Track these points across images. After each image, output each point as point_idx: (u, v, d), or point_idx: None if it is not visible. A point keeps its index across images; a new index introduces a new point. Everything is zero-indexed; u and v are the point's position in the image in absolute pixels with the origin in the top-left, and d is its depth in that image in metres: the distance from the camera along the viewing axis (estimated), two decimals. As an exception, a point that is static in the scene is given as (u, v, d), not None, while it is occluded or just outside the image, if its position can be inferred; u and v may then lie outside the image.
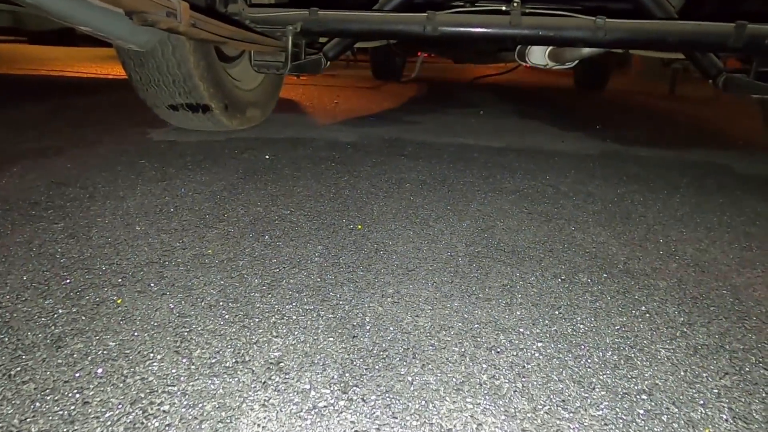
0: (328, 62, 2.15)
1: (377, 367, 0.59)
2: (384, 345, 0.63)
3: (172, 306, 0.70)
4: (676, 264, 0.93)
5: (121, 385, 0.54)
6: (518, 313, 0.73)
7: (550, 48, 2.32)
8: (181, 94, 1.71)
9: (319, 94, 3.39)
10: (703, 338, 0.69)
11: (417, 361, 0.60)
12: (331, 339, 0.64)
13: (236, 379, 0.56)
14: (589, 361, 0.62)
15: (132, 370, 0.56)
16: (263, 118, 2.16)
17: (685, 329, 0.71)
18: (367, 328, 0.67)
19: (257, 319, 0.68)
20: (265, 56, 1.89)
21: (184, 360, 0.58)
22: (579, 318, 0.72)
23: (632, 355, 0.64)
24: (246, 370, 0.57)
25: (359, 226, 1.02)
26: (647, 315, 0.74)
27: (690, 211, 1.25)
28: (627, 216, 1.18)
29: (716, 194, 1.42)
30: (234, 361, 0.59)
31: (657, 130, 2.71)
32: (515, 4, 1.78)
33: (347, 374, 0.57)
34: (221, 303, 0.71)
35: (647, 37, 1.72)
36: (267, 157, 1.55)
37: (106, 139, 1.71)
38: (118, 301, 0.70)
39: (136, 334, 0.63)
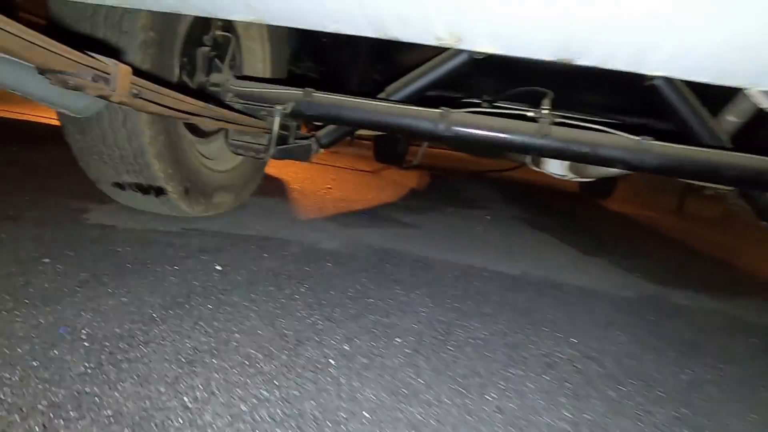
0: (321, 149, 1.85)
1: None
2: None
3: None
4: None
5: None
6: None
7: (572, 160, 2.05)
8: (130, 171, 1.37)
9: (312, 175, 3.10)
10: None
11: None
12: None
13: None
14: None
15: None
16: (236, 204, 1.82)
17: None
18: None
19: None
20: (245, 137, 1.58)
21: None
22: None
23: None
24: None
25: None
26: None
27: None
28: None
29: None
30: None
31: (683, 263, 2.40)
32: (544, 111, 1.51)
33: None
34: None
35: (699, 167, 1.43)
36: (218, 267, 1.18)
37: (29, 214, 1.36)
38: None
39: None
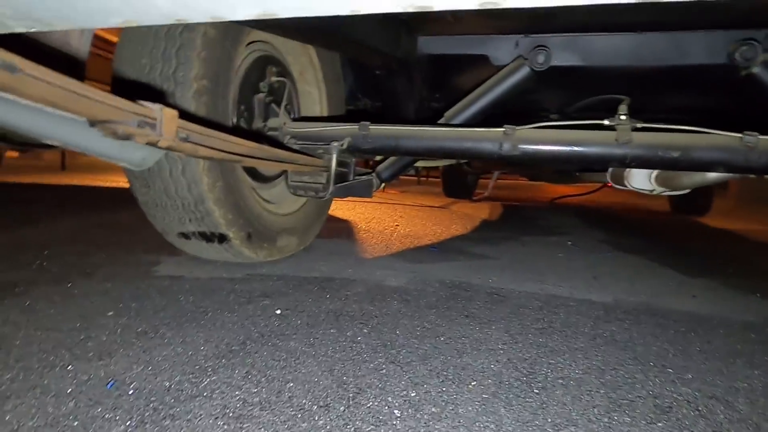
0: (383, 184, 1.79)
1: None
2: None
3: None
4: None
5: None
6: None
7: (658, 171, 1.84)
8: (193, 220, 1.38)
9: (380, 214, 3.05)
10: None
11: None
12: None
13: None
14: None
15: None
16: (301, 247, 1.79)
17: None
18: None
19: None
20: (304, 177, 1.56)
21: None
22: None
23: None
24: None
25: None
26: None
27: None
28: None
29: None
30: None
31: (814, 277, 2.04)
32: (623, 117, 1.36)
33: None
34: None
35: (824, 162, 1.21)
36: (278, 311, 1.13)
37: (102, 270, 1.39)
38: None
39: None
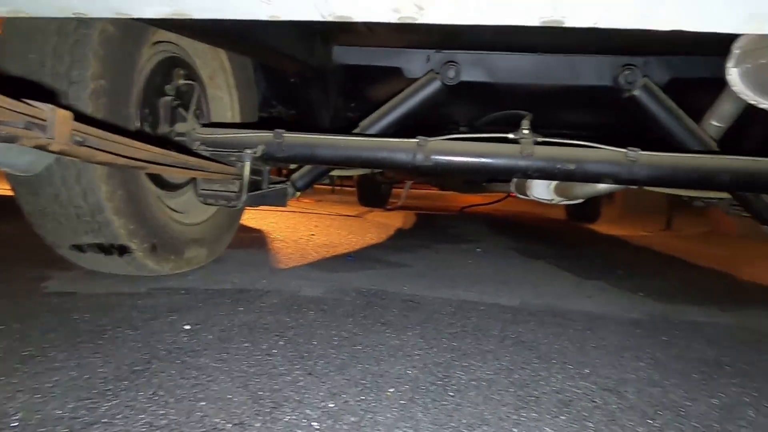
0: (297, 192, 1.76)
1: None
2: None
3: None
4: None
5: None
6: None
7: (556, 182, 1.99)
8: (89, 231, 1.27)
9: (294, 224, 3.00)
10: None
11: None
12: None
13: None
14: None
15: None
16: (211, 258, 1.71)
17: None
18: None
19: None
20: (214, 185, 1.49)
21: None
22: None
23: None
24: None
25: None
26: None
27: None
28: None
29: None
30: None
31: (685, 279, 2.31)
32: (525, 132, 1.45)
33: None
34: None
35: (692, 173, 1.36)
36: (187, 327, 1.06)
37: (-22, 288, 1.23)
38: None
39: None
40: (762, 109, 1.25)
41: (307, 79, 1.75)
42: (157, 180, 1.50)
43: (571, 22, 0.56)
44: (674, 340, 1.25)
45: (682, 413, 0.85)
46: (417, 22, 0.46)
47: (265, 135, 1.43)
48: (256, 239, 2.34)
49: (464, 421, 0.76)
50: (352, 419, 0.74)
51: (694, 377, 1.01)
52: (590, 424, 0.78)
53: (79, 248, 1.32)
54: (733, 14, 0.54)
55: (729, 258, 3.09)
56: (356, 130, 1.66)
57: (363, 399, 0.80)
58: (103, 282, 1.37)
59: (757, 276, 2.42)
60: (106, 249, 1.31)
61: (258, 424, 0.70)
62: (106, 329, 1.02)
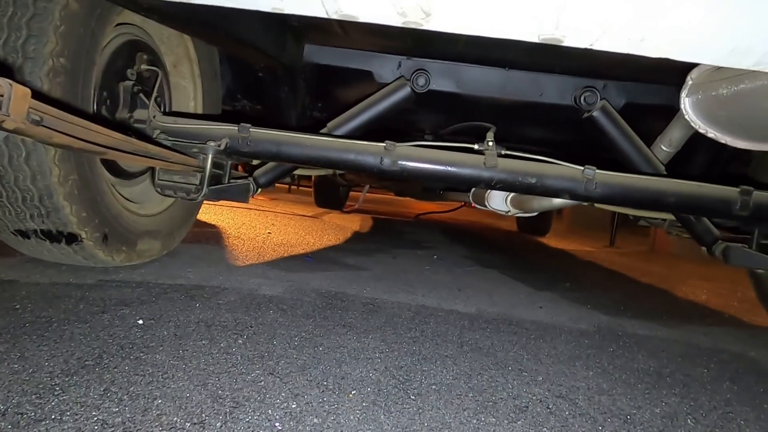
0: (259, 189, 1.73)
1: None
2: None
3: None
4: None
5: None
6: None
7: (513, 194, 2.05)
8: (35, 216, 1.19)
9: (251, 221, 2.94)
10: None
11: None
12: None
13: None
14: None
15: None
16: (165, 251, 1.65)
17: None
18: None
19: None
20: (174, 176, 1.45)
21: None
22: None
23: None
24: None
25: None
26: None
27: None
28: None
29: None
30: None
31: (628, 293, 2.43)
32: (490, 143, 1.49)
33: None
34: None
35: (642, 195, 1.44)
36: (140, 321, 1.02)
37: None
38: None
39: None
40: (708, 138, 1.35)
41: (276, 75, 1.72)
42: (112, 167, 1.44)
43: (569, 41, 0.58)
44: (620, 351, 1.31)
45: (629, 420, 0.89)
46: (422, 27, 0.46)
47: (230, 128, 1.40)
48: (211, 235, 2.28)
49: (426, 425, 0.77)
50: (315, 420, 0.73)
51: (639, 387, 1.06)
52: (545, 430, 0.81)
53: (23, 234, 1.24)
54: (717, 48, 0.57)
55: (666, 276, 3.28)
56: (324, 131, 1.65)
57: (325, 400, 0.79)
58: (47, 271, 1.30)
59: (691, 294, 2.58)
60: (53, 236, 1.24)
61: (218, 424, 0.68)
62: (52, 321, 0.96)
